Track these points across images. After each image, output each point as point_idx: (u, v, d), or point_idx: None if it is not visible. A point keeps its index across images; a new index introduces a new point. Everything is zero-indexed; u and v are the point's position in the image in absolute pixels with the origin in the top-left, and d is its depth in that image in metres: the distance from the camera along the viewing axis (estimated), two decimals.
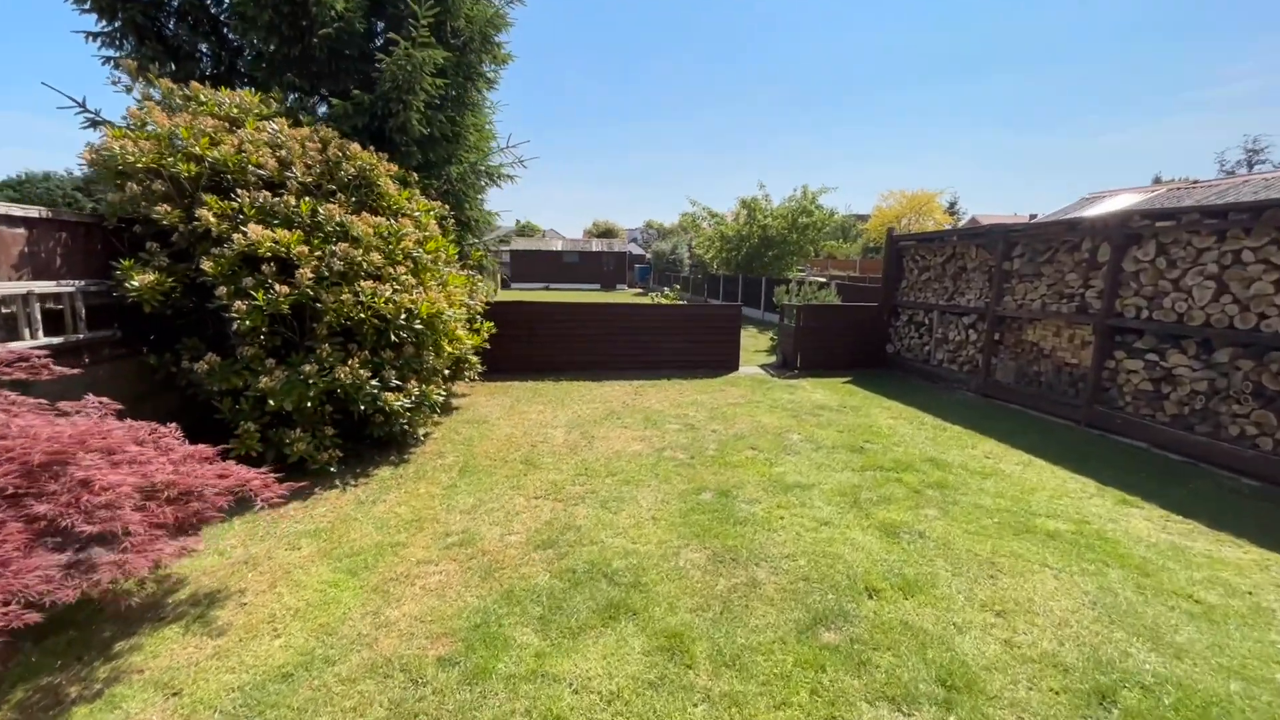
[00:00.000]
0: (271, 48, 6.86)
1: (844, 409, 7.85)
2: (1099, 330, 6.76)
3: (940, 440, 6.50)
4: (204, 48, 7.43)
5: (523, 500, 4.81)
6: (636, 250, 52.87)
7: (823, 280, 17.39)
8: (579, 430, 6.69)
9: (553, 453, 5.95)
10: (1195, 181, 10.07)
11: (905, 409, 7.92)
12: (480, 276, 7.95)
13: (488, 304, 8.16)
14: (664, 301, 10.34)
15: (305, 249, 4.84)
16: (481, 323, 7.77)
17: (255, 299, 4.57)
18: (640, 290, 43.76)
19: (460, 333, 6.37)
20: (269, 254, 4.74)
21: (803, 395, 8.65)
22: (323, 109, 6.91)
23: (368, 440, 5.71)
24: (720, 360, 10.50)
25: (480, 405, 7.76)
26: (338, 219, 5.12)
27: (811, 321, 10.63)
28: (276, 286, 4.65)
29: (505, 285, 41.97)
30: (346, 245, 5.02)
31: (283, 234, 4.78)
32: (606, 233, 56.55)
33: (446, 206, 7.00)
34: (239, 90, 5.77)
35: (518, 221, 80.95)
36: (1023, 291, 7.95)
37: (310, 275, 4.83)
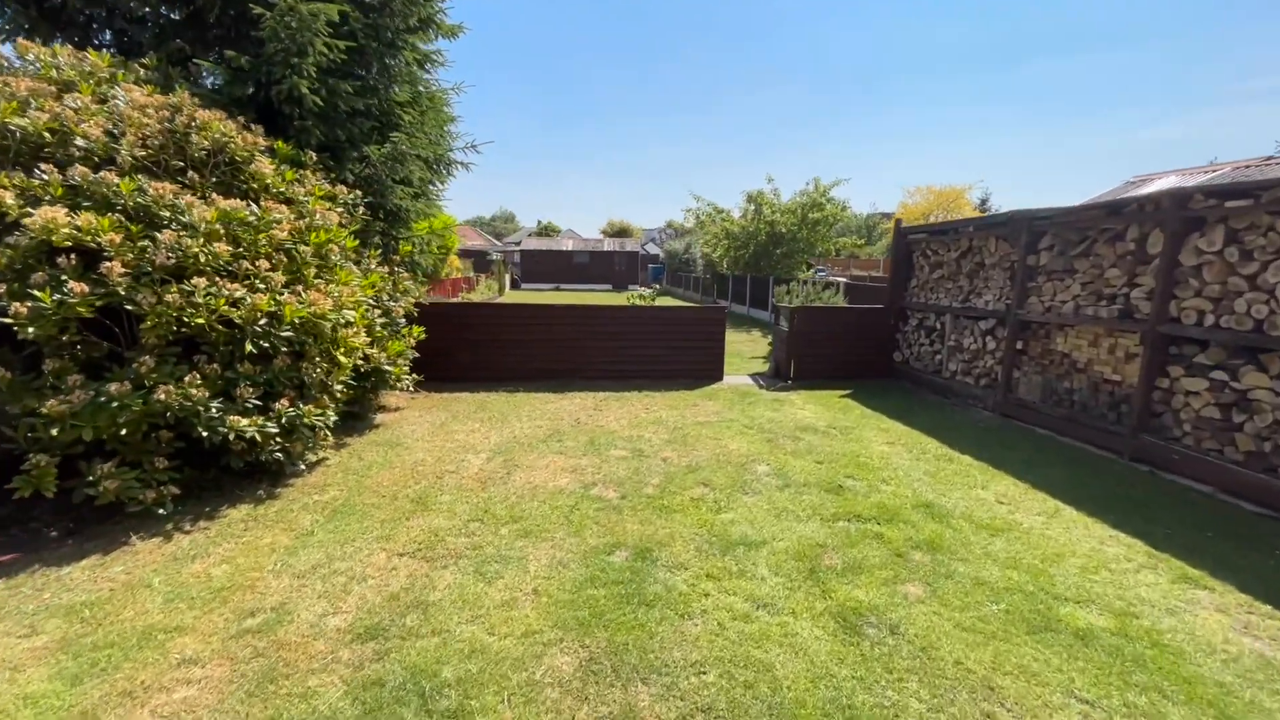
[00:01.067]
0: (159, 9, 5.97)
1: (832, 431, 6.61)
2: (1148, 340, 5.41)
3: (943, 476, 5.23)
4: (101, 14, 6.59)
5: (383, 557, 3.75)
6: (655, 250, 51.75)
7: (842, 279, 16.06)
8: (504, 457, 5.62)
9: (458, 487, 4.88)
10: (1269, 158, 8.50)
11: (906, 431, 6.64)
12: (409, 275, 6.96)
13: (418, 304, 7.17)
14: (640, 303, 9.25)
15: (116, 237, 3.87)
16: (409, 328, 6.77)
17: (40, 300, 3.61)
18: (653, 291, 42.68)
19: (357, 340, 5.36)
20: (69, 243, 3.78)
21: (788, 412, 7.42)
22: (210, 80, 5.97)
23: (232, 471, 4.73)
24: (703, 369, 9.31)
25: (408, 422, 6.75)
26: (170, 201, 4.14)
27: (806, 325, 9.37)
28: (72, 284, 3.68)
29: (516, 285, 41.32)
30: (175, 233, 4.03)
31: (88, 219, 3.81)
32: (621, 232, 55.56)
33: (359, 193, 6.01)
34: (87, 51, 4.85)
35: (539, 221, 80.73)
36: (1051, 291, 6.59)
37: (124, 270, 3.85)
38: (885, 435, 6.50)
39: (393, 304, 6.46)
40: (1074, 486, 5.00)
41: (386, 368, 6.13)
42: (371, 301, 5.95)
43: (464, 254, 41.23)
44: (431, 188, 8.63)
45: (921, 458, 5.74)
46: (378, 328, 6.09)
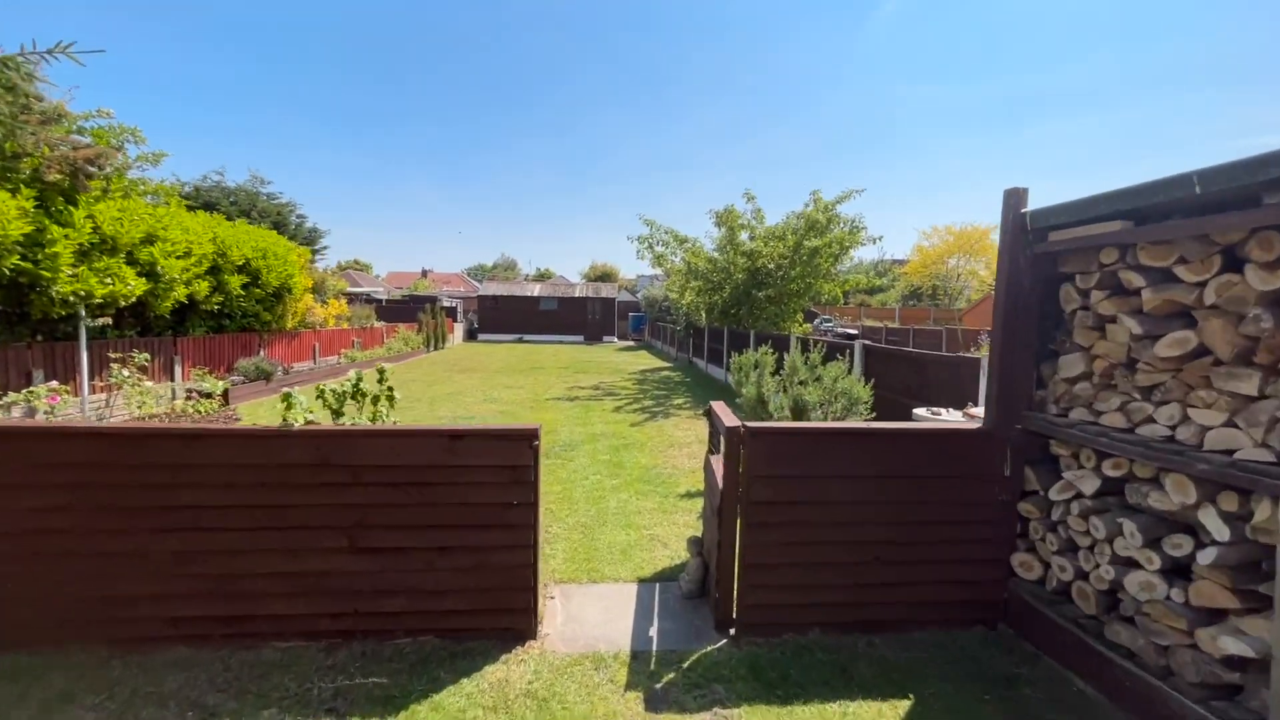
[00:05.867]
0: None
1: None
2: None
3: None
4: None
5: None
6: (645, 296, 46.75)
7: (859, 336, 10.23)
8: None
9: None
10: None
11: None
12: None
13: None
14: (312, 420, 3.17)
15: None
16: None
17: None
18: (633, 343, 37.02)
19: None
20: None
21: None
22: None
23: None
24: (475, 606, 3.34)
25: None
26: None
27: (773, 485, 3.42)
28: None
29: (472, 336, 35.88)
30: None
31: None
32: (603, 277, 50.56)
33: None
34: None
35: (536, 268, 76.54)
36: None
37: None
38: None
39: None
40: None
41: None
42: None
43: (414, 300, 36.10)
44: None
45: None
46: None
